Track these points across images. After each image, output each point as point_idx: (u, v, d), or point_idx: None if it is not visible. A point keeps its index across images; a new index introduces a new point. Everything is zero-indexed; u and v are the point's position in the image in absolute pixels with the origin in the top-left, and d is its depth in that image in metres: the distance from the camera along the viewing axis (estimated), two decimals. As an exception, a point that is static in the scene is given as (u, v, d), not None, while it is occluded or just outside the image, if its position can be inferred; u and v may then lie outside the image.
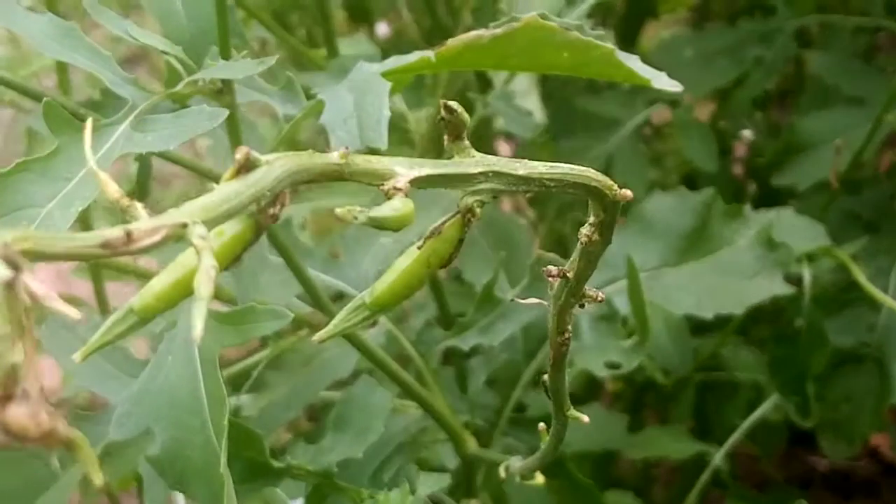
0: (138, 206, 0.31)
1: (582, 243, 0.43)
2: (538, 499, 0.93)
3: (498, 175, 0.38)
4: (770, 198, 1.27)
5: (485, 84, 1.23)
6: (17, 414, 0.26)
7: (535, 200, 1.41)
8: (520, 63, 0.60)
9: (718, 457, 1.11)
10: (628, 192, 0.40)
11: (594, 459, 1.16)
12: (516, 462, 0.68)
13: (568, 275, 0.44)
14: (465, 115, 0.37)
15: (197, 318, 0.29)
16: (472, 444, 0.83)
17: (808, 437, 1.18)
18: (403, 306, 1.14)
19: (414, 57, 0.61)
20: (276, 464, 0.70)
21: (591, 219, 0.42)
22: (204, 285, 0.30)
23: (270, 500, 0.92)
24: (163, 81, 0.67)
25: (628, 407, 1.34)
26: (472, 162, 0.38)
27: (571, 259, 0.44)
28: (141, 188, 0.75)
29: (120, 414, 0.60)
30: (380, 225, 0.34)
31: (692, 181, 1.37)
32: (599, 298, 0.46)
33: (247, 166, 0.33)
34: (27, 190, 0.52)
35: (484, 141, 1.31)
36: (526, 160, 0.38)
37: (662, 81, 0.60)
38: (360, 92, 0.61)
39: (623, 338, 0.87)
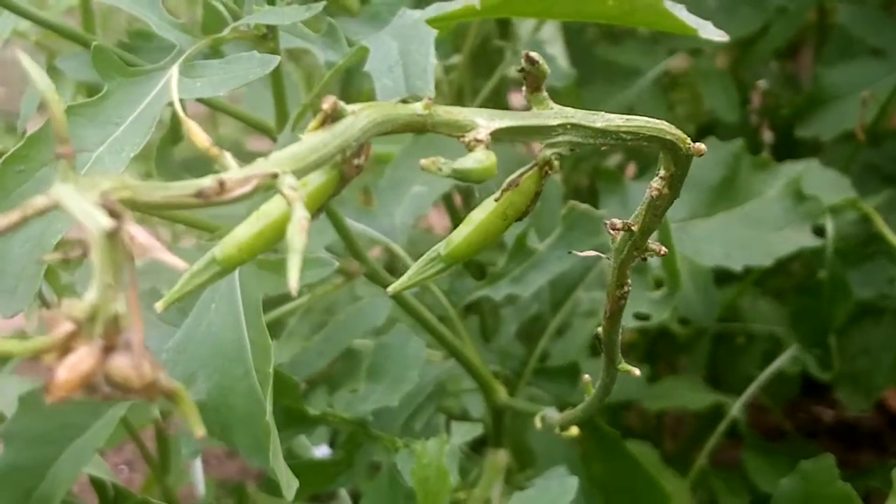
0: (228, 155, 0.31)
1: (651, 196, 0.42)
2: (562, 448, 0.94)
3: (576, 127, 0.37)
4: (787, 149, 1.26)
5: (505, 32, 1.22)
6: (120, 365, 0.26)
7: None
8: (564, 11, 0.60)
9: (736, 407, 1.11)
10: (702, 146, 0.40)
11: (610, 410, 1.16)
12: (552, 413, 0.69)
13: (633, 228, 0.44)
14: (545, 67, 0.37)
15: (293, 271, 0.28)
16: (502, 393, 0.83)
17: (815, 387, 1.18)
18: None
19: (458, 4, 0.60)
20: (311, 411, 0.70)
21: (662, 172, 0.41)
22: (297, 237, 0.29)
23: (294, 447, 0.92)
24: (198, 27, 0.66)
25: (643, 357, 1.34)
26: (550, 114, 0.37)
27: (636, 212, 0.44)
28: (174, 132, 0.75)
29: (163, 363, 0.59)
30: (463, 177, 0.34)
31: (708, 131, 1.36)
32: (662, 252, 0.46)
33: (333, 116, 0.33)
34: (77, 134, 0.51)
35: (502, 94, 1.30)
36: (603, 113, 0.38)
37: (709, 31, 0.59)
38: (405, 39, 0.60)
39: (652, 289, 0.87)
